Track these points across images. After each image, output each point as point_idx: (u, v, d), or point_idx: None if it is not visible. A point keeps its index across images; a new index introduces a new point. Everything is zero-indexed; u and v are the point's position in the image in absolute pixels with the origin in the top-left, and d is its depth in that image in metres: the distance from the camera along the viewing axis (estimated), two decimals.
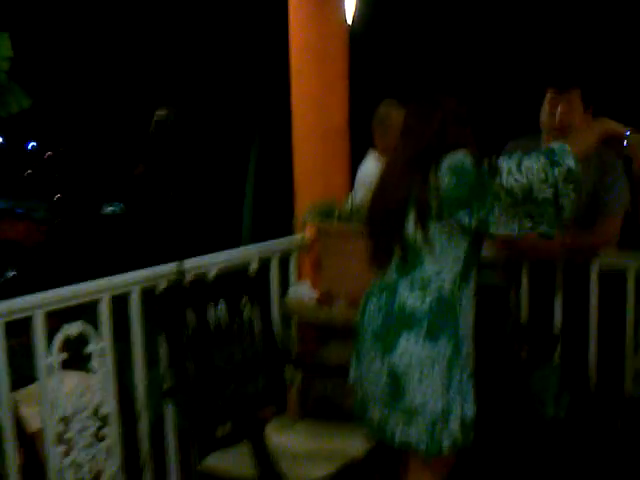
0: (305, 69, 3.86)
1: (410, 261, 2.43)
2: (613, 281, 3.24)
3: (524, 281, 3.38)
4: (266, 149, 10.37)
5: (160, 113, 2.84)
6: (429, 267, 2.40)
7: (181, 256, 3.02)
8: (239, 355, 3.02)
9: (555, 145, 2.40)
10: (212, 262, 3.32)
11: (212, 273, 3.27)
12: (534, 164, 2.31)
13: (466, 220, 2.34)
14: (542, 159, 2.32)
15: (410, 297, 2.41)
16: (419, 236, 2.40)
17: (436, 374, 2.35)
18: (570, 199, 2.35)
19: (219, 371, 2.92)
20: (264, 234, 4.31)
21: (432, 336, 2.36)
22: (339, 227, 3.33)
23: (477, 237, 2.45)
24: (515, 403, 3.09)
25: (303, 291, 3.55)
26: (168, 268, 3.04)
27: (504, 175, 2.30)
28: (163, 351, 2.86)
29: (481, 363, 2.81)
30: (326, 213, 3.43)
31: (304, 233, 3.70)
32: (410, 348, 2.35)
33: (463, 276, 2.43)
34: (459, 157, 2.37)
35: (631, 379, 3.26)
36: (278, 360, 3.15)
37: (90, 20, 11.35)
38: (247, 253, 3.52)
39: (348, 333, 2.71)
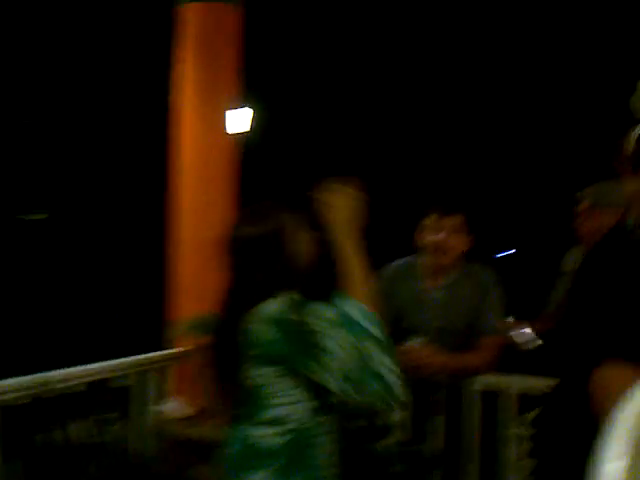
0: (188, 184, 3.86)
1: (254, 401, 2.20)
2: (491, 402, 3.32)
3: (408, 398, 3.40)
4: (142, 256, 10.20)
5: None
6: (278, 406, 2.17)
7: (45, 368, 2.86)
8: (101, 473, 2.85)
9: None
10: (82, 374, 3.13)
11: (81, 386, 3.09)
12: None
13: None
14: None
15: (261, 435, 2.18)
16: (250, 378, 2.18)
17: None
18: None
19: None
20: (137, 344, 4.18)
21: (285, 476, 2.15)
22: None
23: None
24: None
25: (176, 407, 3.41)
26: (32, 380, 2.85)
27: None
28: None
29: None
30: (204, 327, 3.34)
31: (180, 346, 3.60)
32: None
33: (319, 409, 2.20)
34: (273, 308, 2.11)
35: None
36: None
37: None
38: (120, 365, 3.35)
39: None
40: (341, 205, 2.18)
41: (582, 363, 1.69)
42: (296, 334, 2.09)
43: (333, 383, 2.03)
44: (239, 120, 3.94)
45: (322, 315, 2.05)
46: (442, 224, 3.26)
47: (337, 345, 2.02)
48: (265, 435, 2.23)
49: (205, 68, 3.82)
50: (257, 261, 2.19)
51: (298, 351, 2.08)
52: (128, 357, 3.45)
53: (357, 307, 2.09)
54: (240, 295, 2.23)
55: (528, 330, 3.18)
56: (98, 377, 3.19)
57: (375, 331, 2.04)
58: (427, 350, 3.18)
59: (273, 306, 2.10)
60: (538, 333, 3.21)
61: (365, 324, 2.05)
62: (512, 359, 3.39)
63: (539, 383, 3.25)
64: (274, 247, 2.18)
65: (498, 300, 3.34)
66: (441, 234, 3.25)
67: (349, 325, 2.04)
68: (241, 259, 2.22)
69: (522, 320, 3.24)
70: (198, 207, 3.85)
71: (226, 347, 2.30)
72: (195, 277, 3.83)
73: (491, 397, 3.31)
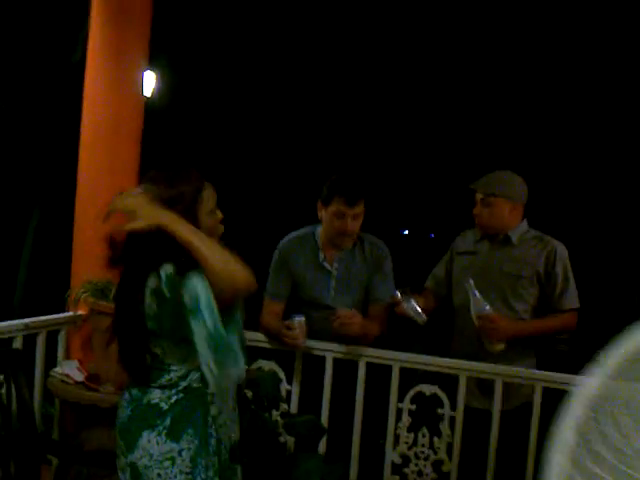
0: (96, 140, 3.79)
1: (156, 364, 2.32)
2: (375, 375, 3.43)
3: (297, 371, 3.48)
4: (48, 217, 9.90)
5: None
6: (175, 370, 2.30)
7: None
8: None
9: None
10: None
11: None
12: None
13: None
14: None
15: (157, 396, 2.30)
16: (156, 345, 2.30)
17: (176, 472, 2.24)
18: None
19: None
20: (37, 306, 4.10)
21: (175, 433, 2.26)
22: (112, 307, 3.23)
23: None
24: None
25: (69, 370, 3.38)
26: None
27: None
28: None
29: (244, 453, 2.80)
30: (101, 292, 3.32)
31: (76, 310, 3.55)
32: (150, 448, 2.24)
33: None
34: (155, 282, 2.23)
35: (389, 472, 3.41)
36: (33, 443, 2.96)
37: None
38: (12, 326, 3.28)
39: (113, 418, 2.61)
40: (134, 204, 2.26)
41: None
42: (172, 310, 2.18)
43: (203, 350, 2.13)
44: (144, 83, 3.87)
45: (195, 293, 2.11)
46: (347, 212, 3.39)
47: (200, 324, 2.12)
48: (156, 397, 2.29)
49: (116, 26, 3.74)
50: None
51: (173, 327, 2.20)
52: (17, 320, 3.39)
53: (204, 293, 2.12)
54: (138, 263, 2.27)
55: (414, 304, 3.29)
56: None
57: (209, 323, 2.11)
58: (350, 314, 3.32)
59: (154, 280, 2.19)
60: (423, 309, 3.33)
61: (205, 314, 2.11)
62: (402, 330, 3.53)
63: (421, 360, 3.38)
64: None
65: (389, 271, 3.57)
66: (348, 222, 3.39)
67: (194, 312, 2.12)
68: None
69: (408, 294, 3.35)
70: (104, 170, 3.78)
71: (127, 316, 2.33)
72: (98, 240, 3.76)
73: (376, 371, 3.42)
